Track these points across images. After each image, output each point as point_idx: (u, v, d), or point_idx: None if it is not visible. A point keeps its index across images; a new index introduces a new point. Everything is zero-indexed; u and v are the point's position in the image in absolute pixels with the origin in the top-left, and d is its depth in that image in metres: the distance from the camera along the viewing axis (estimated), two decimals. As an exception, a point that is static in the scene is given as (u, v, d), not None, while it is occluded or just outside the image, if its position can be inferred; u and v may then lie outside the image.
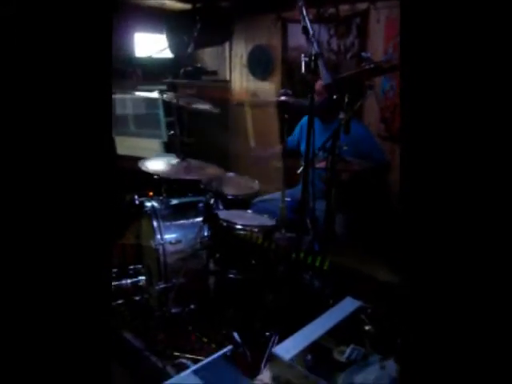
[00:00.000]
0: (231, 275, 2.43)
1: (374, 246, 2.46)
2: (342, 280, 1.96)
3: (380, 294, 1.56)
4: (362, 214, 2.81)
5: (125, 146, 3.13)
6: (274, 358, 1.25)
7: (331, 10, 2.90)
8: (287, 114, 2.23)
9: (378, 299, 1.51)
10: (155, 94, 2.67)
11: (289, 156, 2.48)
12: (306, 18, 1.73)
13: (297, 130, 3.06)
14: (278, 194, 2.59)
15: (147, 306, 2.65)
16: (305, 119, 2.88)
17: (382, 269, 1.82)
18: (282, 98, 2.18)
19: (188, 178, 2.69)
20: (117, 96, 3.29)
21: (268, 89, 3.39)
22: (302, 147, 2.24)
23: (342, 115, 2.26)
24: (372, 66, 2.01)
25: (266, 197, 2.93)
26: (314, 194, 2.36)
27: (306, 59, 1.78)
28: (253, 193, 2.87)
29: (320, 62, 1.71)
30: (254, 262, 2.42)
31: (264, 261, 2.41)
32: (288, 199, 2.51)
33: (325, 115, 2.73)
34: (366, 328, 1.35)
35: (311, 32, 1.76)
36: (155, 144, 3.26)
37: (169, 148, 3.18)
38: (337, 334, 1.35)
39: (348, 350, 1.23)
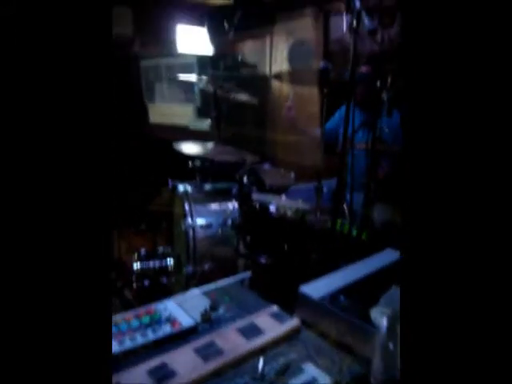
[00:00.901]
0: (262, 260, 2.30)
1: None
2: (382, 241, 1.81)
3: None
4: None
5: (158, 113, 3.12)
6: (301, 298, 1.12)
7: (374, 0, 2.83)
8: (327, 87, 2.14)
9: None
10: (193, 78, 2.66)
11: (326, 146, 2.37)
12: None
13: (336, 117, 2.95)
14: (313, 184, 2.48)
15: (171, 289, 2.57)
16: (344, 107, 2.77)
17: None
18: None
19: (223, 159, 2.66)
20: (151, 62, 3.29)
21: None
22: (341, 137, 2.14)
23: (384, 95, 2.17)
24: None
25: (302, 186, 2.82)
26: (352, 185, 2.25)
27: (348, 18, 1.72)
28: (288, 183, 2.79)
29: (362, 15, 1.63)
30: (286, 246, 2.29)
31: (297, 246, 2.28)
32: (324, 189, 2.40)
33: (366, 97, 2.63)
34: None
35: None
36: (188, 109, 3.23)
37: (202, 113, 3.16)
38: (375, 280, 1.21)
39: (390, 291, 1.07)
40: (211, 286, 1.16)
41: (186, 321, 0.97)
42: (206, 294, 1.12)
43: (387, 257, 1.34)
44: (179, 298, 1.10)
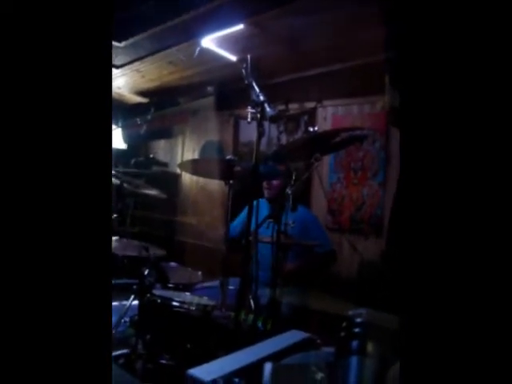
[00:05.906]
0: (163, 360, 2.11)
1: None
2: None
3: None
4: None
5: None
6: (189, 382, 1.02)
7: (281, 108, 3.07)
8: (232, 179, 2.19)
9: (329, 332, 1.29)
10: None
11: (232, 245, 2.38)
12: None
13: (242, 215, 3.01)
14: (219, 281, 2.42)
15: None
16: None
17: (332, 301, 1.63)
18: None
19: (127, 254, 2.54)
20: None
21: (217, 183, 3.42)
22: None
23: (288, 190, 2.25)
24: (317, 133, 2.09)
25: (208, 283, 2.75)
26: (257, 278, 2.24)
27: (253, 110, 1.82)
28: (195, 281, 2.71)
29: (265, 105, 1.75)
30: (189, 345, 2.14)
31: (201, 344, 2.14)
32: (231, 287, 2.35)
33: (271, 189, 2.74)
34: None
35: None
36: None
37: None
38: (276, 360, 1.13)
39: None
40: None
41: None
42: None
43: (291, 337, 1.29)
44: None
